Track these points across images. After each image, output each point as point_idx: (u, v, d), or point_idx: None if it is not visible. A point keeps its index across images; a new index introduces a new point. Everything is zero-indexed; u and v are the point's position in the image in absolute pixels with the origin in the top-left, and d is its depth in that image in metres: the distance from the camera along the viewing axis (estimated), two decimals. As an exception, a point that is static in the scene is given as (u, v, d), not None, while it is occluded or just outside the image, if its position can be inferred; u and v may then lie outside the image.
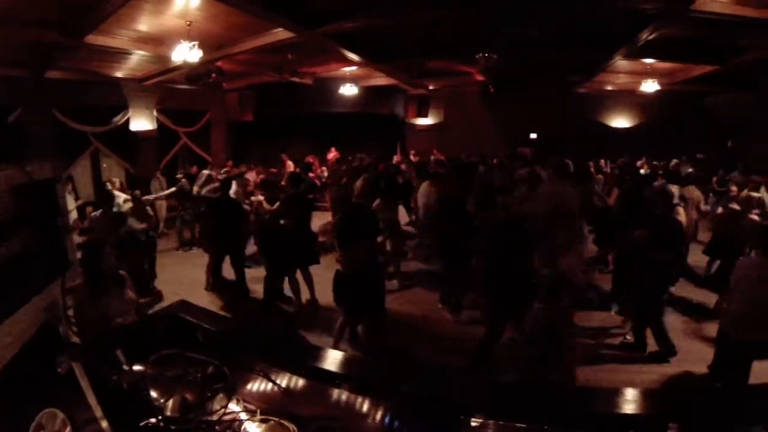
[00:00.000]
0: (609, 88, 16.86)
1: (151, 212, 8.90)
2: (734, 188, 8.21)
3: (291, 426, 2.04)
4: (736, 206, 7.58)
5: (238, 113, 16.17)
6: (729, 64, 11.18)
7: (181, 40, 7.90)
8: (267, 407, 2.24)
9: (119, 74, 11.44)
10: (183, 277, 8.48)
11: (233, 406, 2.20)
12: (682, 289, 7.67)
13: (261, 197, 7.25)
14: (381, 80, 15.76)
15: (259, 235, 7.56)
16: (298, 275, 7.15)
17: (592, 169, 11.12)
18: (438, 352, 5.84)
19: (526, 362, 4.73)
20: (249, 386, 2.42)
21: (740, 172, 10.62)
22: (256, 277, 7.74)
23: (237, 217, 7.73)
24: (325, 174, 13.55)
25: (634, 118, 18.36)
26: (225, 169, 11.84)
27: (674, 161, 12.44)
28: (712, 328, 5.55)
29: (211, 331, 2.84)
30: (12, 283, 2.48)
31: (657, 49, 10.72)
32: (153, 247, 8.15)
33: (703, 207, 8.96)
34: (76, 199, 10.02)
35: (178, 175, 11.41)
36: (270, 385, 2.40)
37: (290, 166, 13.67)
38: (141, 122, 12.91)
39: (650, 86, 13.76)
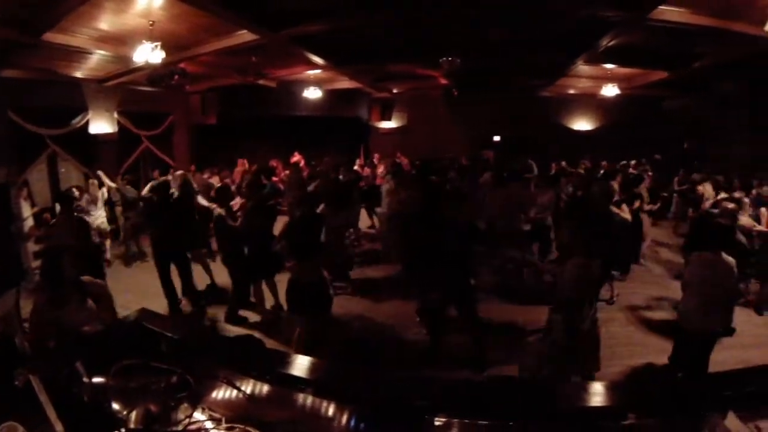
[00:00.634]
0: (571, 91, 17.37)
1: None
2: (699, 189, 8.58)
3: (256, 433, 2.02)
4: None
5: (202, 116, 15.87)
6: (685, 70, 11.57)
7: (144, 41, 7.71)
8: (232, 415, 2.24)
9: (79, 74, 11.08)
10: (150, 286, 8.08)
11: (198, 415, 2.18)
12: (644, 283, 7.96)
13: (221, 210, 6.89)
14: (345, 84, 15.82)
15: (221, 246, 7.32)
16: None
17: (554, 171, 11.43)
18: (402, 356, 5.94)
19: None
20: (214, 394, 2.40)
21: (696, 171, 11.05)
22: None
23: (178, 221, 7.33)
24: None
25: (595, 120, 19.01)
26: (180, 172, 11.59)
27: (633, 162, 12.86)
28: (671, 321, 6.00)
29: (174, 339, 2.80)
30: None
31: (617, 55, 11.14)
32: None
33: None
34: (33, 205, 9.66)
35: (122, 180, 11.04)
36: (235, 392, 2.38)
37: (242, 164, 13.53)
38: (101, 125, 12.53)
39: (611, 90, 14.22)
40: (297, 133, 16.65)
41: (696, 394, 2.55)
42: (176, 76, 10.02)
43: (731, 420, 2.05)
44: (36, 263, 7.56)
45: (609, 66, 12.86)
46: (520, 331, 6.50)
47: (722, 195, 8.84)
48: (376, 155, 16.60)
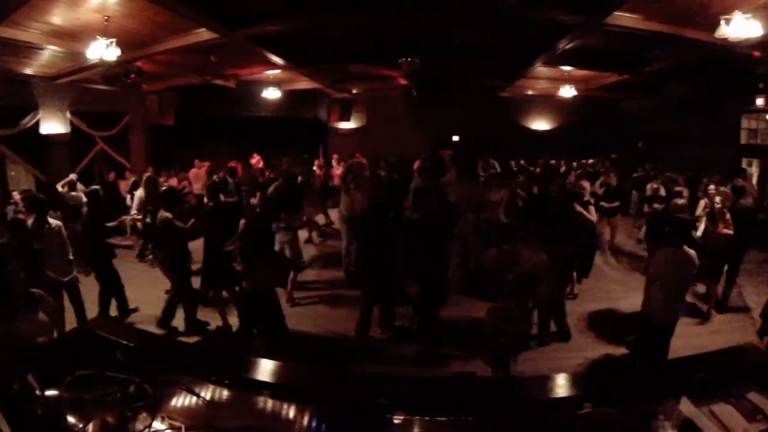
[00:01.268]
0: (530, 92, 17.85)
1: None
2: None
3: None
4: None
5: (159, 116, 15.47)
6: (641, 73, 11.94)
7: (98, 37, 7.49)
8: (192, 422, 2.19)
9: (29, 71, 10.65)
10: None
11: (157, 425, 2.11)
12: (602, 278, 8.20)
13: (167, 213, 6.41)
14: (304, 84, 15.81)
15: (166, 252, 6.80)
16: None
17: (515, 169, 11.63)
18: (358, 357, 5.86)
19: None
20: (173, 402, 2.34)
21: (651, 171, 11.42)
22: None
23: (98, 228, 6.90)
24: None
25: (553, 121, 19.59)
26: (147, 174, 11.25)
27: (590, 161, 13.20)
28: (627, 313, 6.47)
29: (130, 348, 2.72)
30: None
31: (574, 58, 11.41)
32: None
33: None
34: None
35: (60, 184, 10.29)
36: (194, 399, 2.33)
37: (199, 165, 13.33)
38: (53, 125, 12.10)
39: (568, 92, 14.68)
40: (256, 133, 16.49)
41: (651, 381, 2.66)
42: (132, 75, 9.80)
43: (685, 404, 2.11)
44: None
45: (566, 68, 13.19)
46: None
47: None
48: (335, 156, 16.56)
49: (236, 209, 7.85)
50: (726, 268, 7.11)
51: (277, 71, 13.48)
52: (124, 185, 11.68)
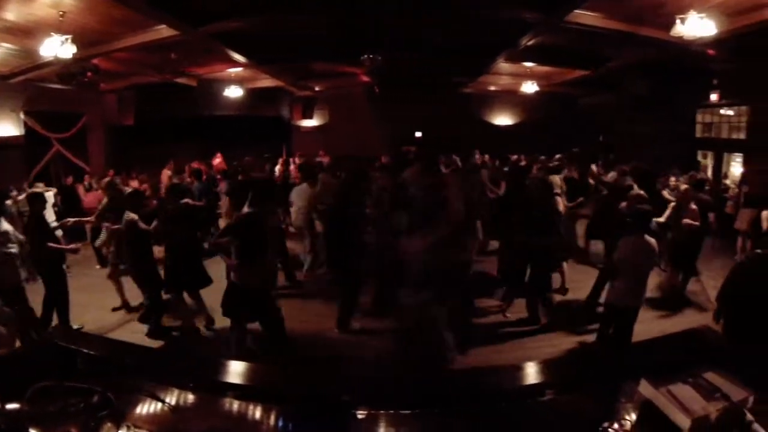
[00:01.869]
0: (492, 88, 18.14)
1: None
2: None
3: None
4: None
5: (118, 116, 15.11)
6: (600, 70, 12.24)
7: (53, 33, 7.28)
8: (158, 429, 2.18)
9: (-22, 70, 10.33)
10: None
11: (123, 434, 2.07)
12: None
13: (132, 215, 6.27)
14: (266, 82, 15.80)
15: (131, 255, 6.57)
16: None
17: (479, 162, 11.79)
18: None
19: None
20: (138, 410, 2.30)
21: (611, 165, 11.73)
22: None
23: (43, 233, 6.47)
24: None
25: (515, 116, 19.96)
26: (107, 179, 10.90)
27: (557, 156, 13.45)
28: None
29: (91, 356, 2.66)
30: None
31: (536, 54, 11.61)
32: None
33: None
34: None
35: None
36: (160, 405, 2.30)
37: (170, 167, 13.10)
38: (5, 126, 11.68)
39: (530, 87, 14.97)
40: (218, 133, 16.25)
41: (611, 365, 2.77)
42: (89, 73, 9.54)
43: (644, 386, 2.19)
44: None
45: (528, 64, 13.42)
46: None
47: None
48: (298, 154, 16.49)
49: (201, 212, 7.75)
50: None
51: (239, 69, 13.38)
52: (83, 189, 11.36)
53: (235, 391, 2.42)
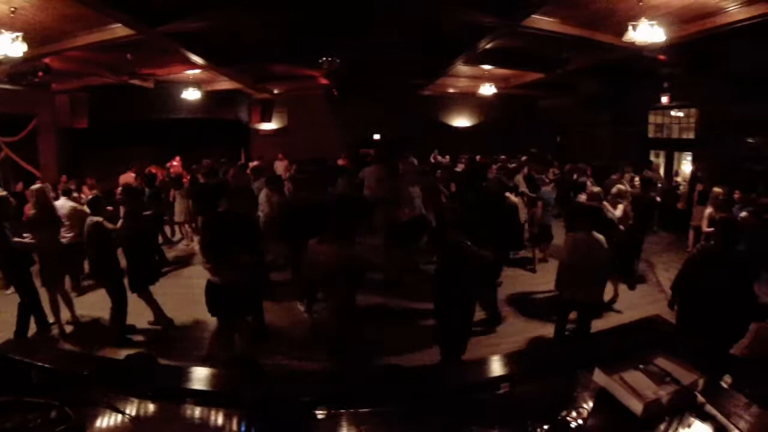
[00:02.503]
0: (451, 90, 18.37)
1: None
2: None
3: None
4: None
5: (71, 119, 14.45)
6: (557, 72, 12.55)
7: (2, 30, 6.99)
8: None
9: None
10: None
11: (82, 447, 2.03)
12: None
13: (96, 217, 6.16)
14: (225, 84, 15.56)
15: (96, 259, 6.45)
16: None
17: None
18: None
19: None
20: (97, 423, 2.24)
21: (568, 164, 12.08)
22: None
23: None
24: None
25: (474, 118, 20.20)
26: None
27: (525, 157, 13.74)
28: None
29: (45, 369, 2.58)
30: None
31: (494, 57, 11.81)
32: None
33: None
34: None
35: None
36: (119, 416, 2.25)
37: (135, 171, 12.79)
38: (-49, 128, 11.23)
39: (488, 89, 15.13)
40: (176, 136, 15.88)
41: (566, 357, 2.86)
42: (40, 73, 9.25)
43: (598, 375, 2.30)
44: None
45: (487, 67, 13.63)
46: (408, 320, 6.82)
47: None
48: (257, 157, 16.24)
49: (152, 215, 7.62)
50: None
51: (197, 71, 13.19)
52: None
53: (196, 397, 2.39)
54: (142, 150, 15.69)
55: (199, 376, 2.67)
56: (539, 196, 8.79)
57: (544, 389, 2.45)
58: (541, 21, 8.43)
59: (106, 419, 2.25)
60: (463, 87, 17.34)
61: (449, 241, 5.03)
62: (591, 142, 16.35)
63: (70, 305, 6.84)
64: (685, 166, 14.43)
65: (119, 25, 8.08)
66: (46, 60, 9.35)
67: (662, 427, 2.06)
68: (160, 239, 9.86)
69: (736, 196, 8.40)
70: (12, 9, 6.93)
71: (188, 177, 12.20)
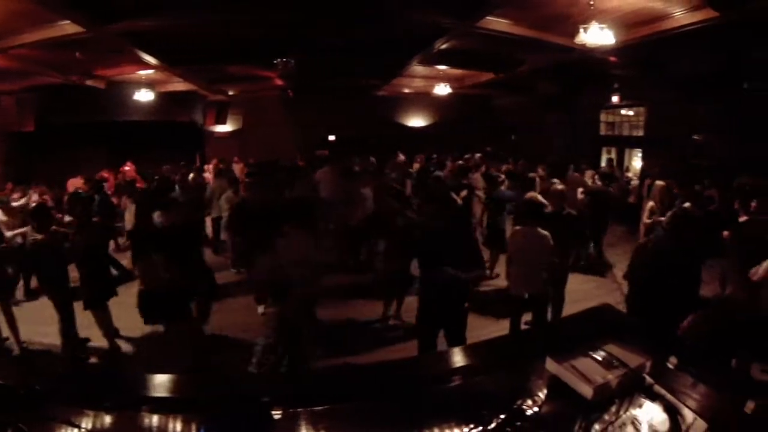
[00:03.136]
0: (406, 90, 18.54)
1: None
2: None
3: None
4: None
5: (16, 121, 14.08)
6: (511, 73, 12.81)
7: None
8: None
9: None
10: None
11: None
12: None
13: (38, 235, 5.79)
14: (179, 85, 15.29)
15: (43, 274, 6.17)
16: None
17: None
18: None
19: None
20: None
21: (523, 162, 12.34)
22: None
23: None
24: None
25: (429, 117, 20.48)
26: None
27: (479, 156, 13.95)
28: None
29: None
30: None
31: (449, 58, 11.95)
32: None
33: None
34: None
35: None
36: (75, 430, 2.19)
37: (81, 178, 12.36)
38: None
39: (443, 89, 15.33)
40: (129, 139, 15.53)
41: (519, 347, 3.00)
42: (-18, 73, 8.89)
43: (550, 363, 2.38)
44: None
45: (442, 67, 13.80)
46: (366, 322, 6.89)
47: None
48: (214, 161, 15.88)
49: (103, 223, 7.38)
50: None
51: (150, 71, 12.89)
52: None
53: (153, 404, 2.37)
54: (94, 154, 15.29)
55: (155, 383, 2.63)
56: (497, 195, 8.83)
57: (499, 380, 2.52)
58: (496, 23, 8.58)
59: (61, 434, 2.22)
60: (418, 87, 17.49)
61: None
62: (545, 140, 16.76)
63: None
64: (636, 162, 15.00)
65: (68, 22, 7.83)
66: (-11, 58, 9.01)
67: (613, 408, 2.15)
68: (113, 248, 9.46)
69: (675, 189, 8.64)
70: (-49, 5, 6.66)
71: (142, 182, 11.95)
